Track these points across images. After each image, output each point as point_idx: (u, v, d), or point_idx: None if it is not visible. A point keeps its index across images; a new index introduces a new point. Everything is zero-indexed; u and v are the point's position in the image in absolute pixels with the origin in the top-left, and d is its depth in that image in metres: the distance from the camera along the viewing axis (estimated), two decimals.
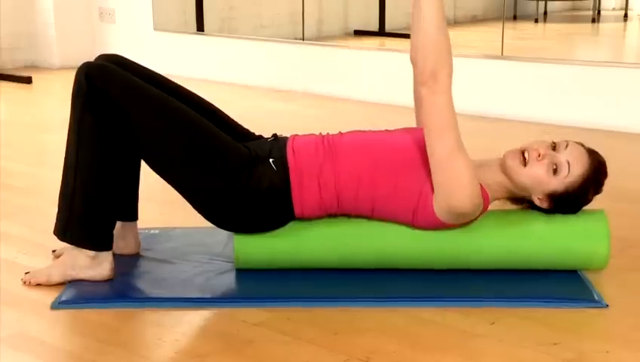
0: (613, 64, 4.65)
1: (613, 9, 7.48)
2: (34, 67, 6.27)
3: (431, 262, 2.35)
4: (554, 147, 2.25)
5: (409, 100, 2.50)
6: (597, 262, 2.34)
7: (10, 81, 5.77)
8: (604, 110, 4.30)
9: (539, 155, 2.22)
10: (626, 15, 7.27)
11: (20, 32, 6.26)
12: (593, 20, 7.37)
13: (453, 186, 2.12)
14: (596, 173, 2.26)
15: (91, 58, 2.40)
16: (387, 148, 2.27)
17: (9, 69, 6.08)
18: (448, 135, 2.11)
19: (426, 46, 2.08)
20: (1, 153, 3.95)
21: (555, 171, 2.22)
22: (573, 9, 7.78)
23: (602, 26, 7.44)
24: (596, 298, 2.23)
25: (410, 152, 2.24)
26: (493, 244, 2.32)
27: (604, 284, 2.33)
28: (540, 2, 7.37)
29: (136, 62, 2.46)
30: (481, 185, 2.20)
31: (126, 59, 2.44)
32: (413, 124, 2.49)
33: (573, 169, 2.22)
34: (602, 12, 7.42)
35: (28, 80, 5.72)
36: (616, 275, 2.39)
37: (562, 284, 2.32)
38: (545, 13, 7.49)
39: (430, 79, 2.08)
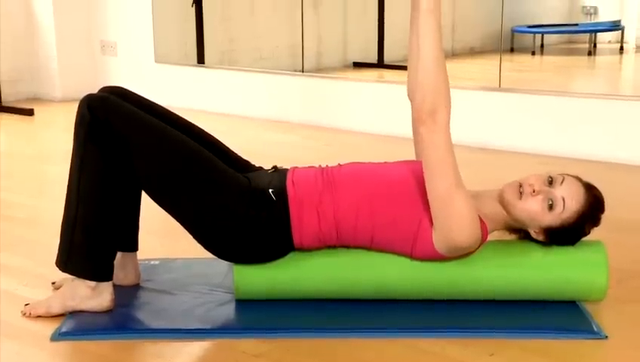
0: (610, 96, 4.67)
1: (609, 42, 7.51)
2: (36, 99, 6.29)
3: (430, 293, 2.35)
4: (550, 181, 2.24)
5: (407, 131, 2.50)
6: (596, 292, 2.33)
7: (12, 113, 5.79)
8: (602, 142, 4.30)
9: (534, 191, 2.22)
10: (621, 48, 7.31)
11: (22, 64, 6.29)
12: (589, 53, 7.40)
13: (453, 222, 2.12)
14: (592, 209, 2.25)
15: (93, 90, 2.41)
16: (385, 180, 2.27)
17: (11, 101, 6.10)
18: (447, 173, 2.11)
19: (424, 85, 2.08)
20: (3, 184, 3.95)
21: (550, 207, 2.21)
22: (570, 42, 7.82)
23: (598, 58, 7.48)
24: (595, 329, 2.22)
25: (408, 184, 2.24)
26: (492, 275, 2.32)
27: (603, 315, 2.32)
28: (536, 35, 7.41)
29: (138, 93, 2.47)
30: (480, 217, 2.20)
31: (128, 90, 2.45)
32: (411, 155, 2.49)
33: (569, 205, 2.22)
34: (598, 45, 7.45)
35: (30, 112, 5.74)
36: (615, 306, 2.38)
37: (561, 315, 2.31)
38: (542, 45, 7.52)
39: (429, 118, 2.08)
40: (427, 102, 2.07)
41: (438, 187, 2.12)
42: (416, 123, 2.14)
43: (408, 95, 2.45)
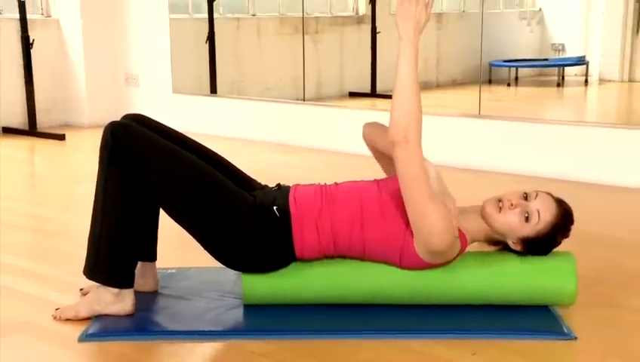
0: (576, 123, 4.67)
1: (575, 75, 7.54)
2: (67, 126, 6.29)
3: (419, 298, 2.33)
4: (525, 197, 2.24)
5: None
6: (566, 298, 2.31)
7: (46, 138, 5.79)
8: (570, 163, 4.30)
9: (512, 205, 2.21)
10: (586, 80, 7.34)
11: (55, 95, 6.29)
12: (558, 85, 7.43)
13: (429, 228, 2.10)
14: (563, 220, 2.25)
15: (118, 118, 2.40)
16: (375, 197, 2.25)
17: (45, 127, 6.10)
18: (421, 186, 2.09)
19: (399, 107, 2.07)
20: (37, 201, 3.94)
21: (526, 219, 2.21)
22: (541, 75, 7.84)
23: (566, 89, 7.50)
24: (566, 331, 2.20)
25: (394, 200, 2.22)
26: (474, 282, 2.30)
27: (572, 318, 2.30)
28: (511, 68, 7.45)
29: (157, 120, 2.46)
30: (459, 228, 2.19)
31: (147, 117, 2.44)
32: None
33: (543, 217, 2.21)
34: (566, 77, 7.48)
35: (62, 137, 5.73)
36: (583, 310, 2.36)
37: (536, 318, 2.29)
38: (516, 78, 7.55)
39: (402, 138, 2.06)
40: (401, 124, 2.06)
41: (413, 199, 2.10)
42: (390, 143, 2.12)
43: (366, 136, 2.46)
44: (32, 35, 5.87)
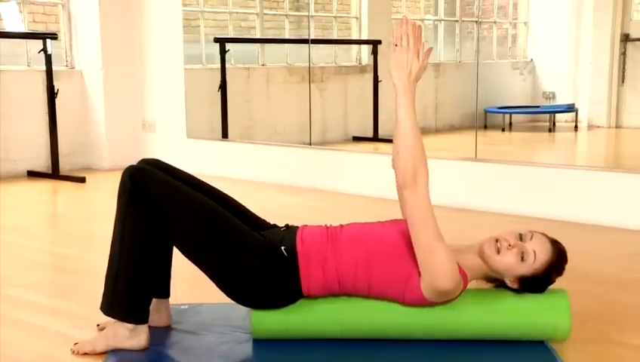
0: (566, 166, 4.66)
1: (566, 121, 7.56)
2: (88, 169, 6.31)
3: (418, 334, 2.30)
4: (520, 237, 2.22)
5: (396, 195, 2.48)
6: (561, 333, 2.28)
7: (68, 180, 5.79)
8: (560, 204, 4.28)
9: (509, 245, 2.19)
10: (576, 126, 7.37)
11: (77, 140, 6.32)
12: (549, 130, 7.44)
13: (437, 269, 2.08)
14: (558, 259, 2.22)
15: (135, 162, 2.40)
16: (379, 239, 2.23)
17: (67, 170, 6.11)
18: (429, 227, 2.07)
19: (405, 153, 2.07)
20: (59, 241, 3.93)
21: (523, 258, 2.19)
22: (533, 121, 7.87)
23: (557, 135, 7.51)
24: None
25: (398, 244, 2.20)
26: (472, 319, 2.27)
27: (567, 353, 2.26)
28: (505, 115, 7.48)
29: (172, 164, 2.45)
30: (461, 267, 2.16)
31: (162, 162, 2.44)
32: (398, 215, 2.46)
33: (539, 257, 2.19)
34: (557, 123, 7.50)
35: (82, 180, 5.74)
36: (577, 345, 2.32)
37: (533, 353, 2.25)
38: (510, 123, 7.57)
39: (411, 181, 2.06)
40: (409, 168, 2.06)
41: (422, 239, 2.08)
42: (401, 187, 2.12)
43: (393, 165, 2.43)
44: (57, 85, 5.92)
